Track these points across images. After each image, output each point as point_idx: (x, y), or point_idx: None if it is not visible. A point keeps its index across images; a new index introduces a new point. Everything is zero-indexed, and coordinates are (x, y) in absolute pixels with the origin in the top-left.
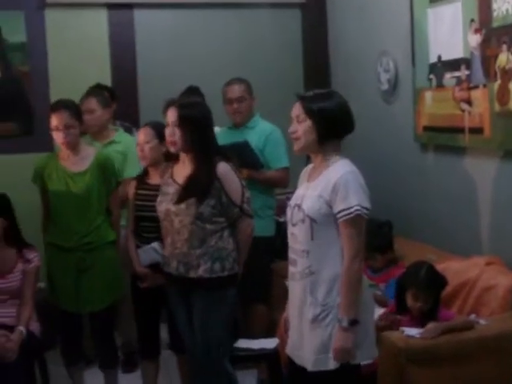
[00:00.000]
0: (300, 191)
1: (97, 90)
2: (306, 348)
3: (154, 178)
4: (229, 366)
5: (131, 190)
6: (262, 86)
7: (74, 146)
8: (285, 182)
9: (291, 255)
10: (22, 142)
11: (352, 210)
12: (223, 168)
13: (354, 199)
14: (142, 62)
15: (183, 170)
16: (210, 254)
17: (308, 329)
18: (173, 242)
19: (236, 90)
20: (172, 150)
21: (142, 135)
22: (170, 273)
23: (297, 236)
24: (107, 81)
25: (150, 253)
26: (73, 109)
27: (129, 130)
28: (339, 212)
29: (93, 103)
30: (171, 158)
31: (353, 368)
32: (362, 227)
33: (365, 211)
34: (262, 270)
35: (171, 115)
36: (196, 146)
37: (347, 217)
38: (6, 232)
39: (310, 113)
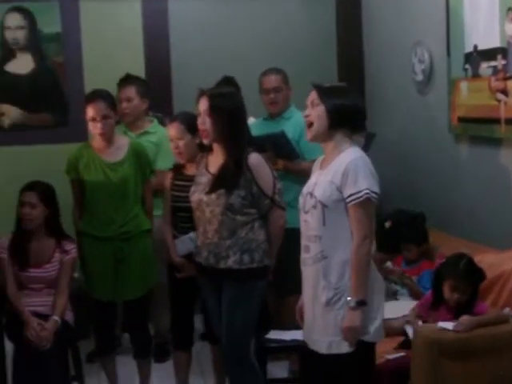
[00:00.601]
0: (312, 179)
1: (135, 79)
2: (320, 331)
3: (191, 169)
4: (253, 357)
5: (167, 180)
6: (295, 76)
7: (110, 137)
8: None
9: (304, 242)
10: (57, 132)
11: (361, 193)
12: (254, 159)
13: (364, 183)
14: (176, 52)
15: (216, 160)
16: (240, 246)
17: (321, 312)
18: (204, 231)
19: (273, 80)
20: (204, 140)
21: (174, 131)
22: (201, 262)
23: (309, 222)
24: (141, 71)
25: (186, 243)
26: (109, 99)
27: (161, 121)
28: (349, 196)
29: (132, 92)
30: (205, 148)
31: (367, 349)
32: (372, 211)
33: (374, 195)
34: (295, 261)
35: (202, 104)
36: (226, 136)
37: (357, 200)
38: (46, 221)
39: (323, 98)
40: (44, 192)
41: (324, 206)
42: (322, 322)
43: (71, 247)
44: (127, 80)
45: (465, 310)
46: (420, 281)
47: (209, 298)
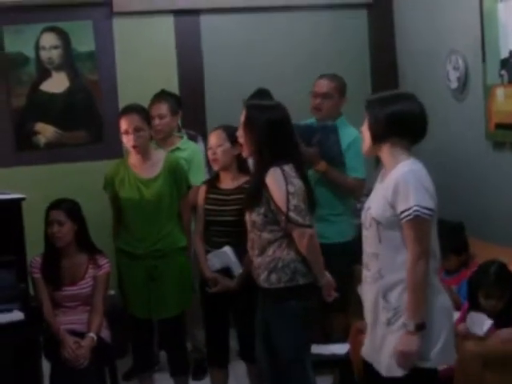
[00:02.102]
0: (372, 194)
1: (167, 95)
2: (381, 352)
3: (225, 182)
4: (307, 371)
5: (201, 194)
6: None
7: (144, 151)
8: (358, 193)
9: (365, 258)
10: (92, 149)
11: (411, 210)
12: (271, 174)
13: (413, 199)
14: (209, 68)
15: None
16: (267, 264)
17: (382, 333)
18: (248, 248)
19: (323, 85)
20: (243, 153)
21: (214, 138)
22: None
23: (368, 239)
24: (174, 88)
25: (220, 257)
26: (142, 112)
27: (194, 138)
28: (401, 213)
29: (164, 108)
30: (243, 162)
31: (429, 373)
32: (425, 228)
33: (425, 211)
34: (338, 277)
35: (242, 116)
36: (259, 150)
37: (407, 218)
38: (76, 237)
39: (367, 110)
40: (70, 209)
41: (378, 222)
42: (382, 343)
43: (104, 262)
44: (160, 96)
45: (505, 319)
46: (460, 290)
47: (258, 315)
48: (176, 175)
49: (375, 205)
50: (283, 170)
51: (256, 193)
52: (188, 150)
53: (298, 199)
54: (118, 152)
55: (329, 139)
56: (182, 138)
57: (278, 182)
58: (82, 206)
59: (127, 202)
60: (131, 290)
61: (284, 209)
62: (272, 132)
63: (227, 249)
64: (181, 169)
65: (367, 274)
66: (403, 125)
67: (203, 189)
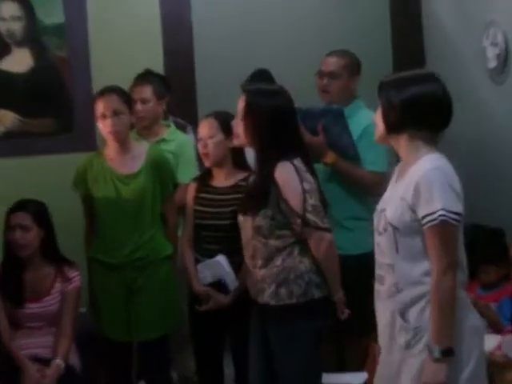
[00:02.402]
0: (387, 193)
1: (152, 76)
2: (399, 380)
3: (219, 180)
4: None
5: (191, 193)
6: None
7: (123, 139)
8: (376, 189)
9: (377, 271)
10: (60, 140)
11: (436, 215)
12: (281, 169)
13: (439, 202)
14: (200, 44)
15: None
16: (275, 276)
17: (400, 357)
18: (245, 258)
19: (330, 63)
20: (234, 142)
21: (205, 128)
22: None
23: (381, 247)
24: (159, 68)
25: (213, 268)
26: (123, 95)
27: (183, 128)
28: (423, 217)
29: (148, 91)
30: (239, 156)
31: None
32: (454, 235)
33: (453, 216)
34: (353, 294)
35: (239, 103)
36: (260, 143)
37: (431, 223)
38: (43, 245)
39: (379, 94)
40: (37, 212)
41: (395, 228)
42: (400, 369)
43: (74, 274)
44: (143, 77)
45: None
46: (500, 309)
47: (253, 334)
48: (160, 171)
49: (391, 207)
50: (295, 165)
51: (262, 192)
52: (176, 141)
53: (315, 198)
54: (91, 143)
55: (336, 125)
56: (168, 127)
57: (292, 179)
58: (49, 207)
59: (102, 202)
60: (106, 307)
61: (300, 210)
62: (277, 121)
63: (221, 258)
64: (166, 163)
65: (381, 288)
66: (422, 112)
67: (193, 187)
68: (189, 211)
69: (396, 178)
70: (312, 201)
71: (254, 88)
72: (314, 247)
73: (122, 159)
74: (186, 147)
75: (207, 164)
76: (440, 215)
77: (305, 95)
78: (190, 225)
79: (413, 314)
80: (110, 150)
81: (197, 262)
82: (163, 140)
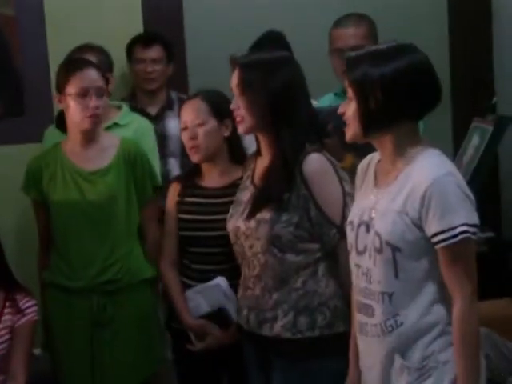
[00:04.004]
0: (365, 201)
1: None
2: None
3: (211, 178)
4: None
5: (172, 196)
6: None
7: (97, 128)
8: None
9: (359, 298)
10: (7, 127)
11: (456, 231)
12: (314, 162)
13: (458, 216)
14: (191, 7)
15: (264, 164)
16: (294, 302)
17: None
18: (244, 277)
19: (348, 36)
20: (239, 130)
21: (191, 113)
22: (242, 325)
23: (369, 270)
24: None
25: (210, 294)
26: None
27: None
28: (435, 235)
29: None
30: (236, 148)
31: None
32: (473, 254)
33: (473, 230)
34: None
35: (233, 79)
36: (270, 124)
37: (449, 242)
38: None
39: (353, 85)
40: None
41: (395, 249)
42: None
43: (29, 304)
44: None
45: None
46: None
47: (253, 376)
48: (136, 168)
49: (386, 223)
50: (329, 159)
51: (283, 191)
52: (131, 126)
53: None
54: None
55: None
56: (120, 108)
57: (329, 177)
58: None
59: (60, 207)
60: (66, 346)
61: (338, 217)
62: (288, 96)
63: (220, 280)
64: (144, 159)
65: (368, 321)
66: (416, 90)
67: (175, 189)
68: (170, 221)
69: (374, 182)
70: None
71: (247, 58)
72: (348, 264)
73: (86, 152)
74: (146, 134)
75: (196, 159)
76: (461, 232)
77: (316, 78)
78: (173, 239)
79: (417, 350)
80: (72, 140)
81: (186, 288)
82: (115, 125)
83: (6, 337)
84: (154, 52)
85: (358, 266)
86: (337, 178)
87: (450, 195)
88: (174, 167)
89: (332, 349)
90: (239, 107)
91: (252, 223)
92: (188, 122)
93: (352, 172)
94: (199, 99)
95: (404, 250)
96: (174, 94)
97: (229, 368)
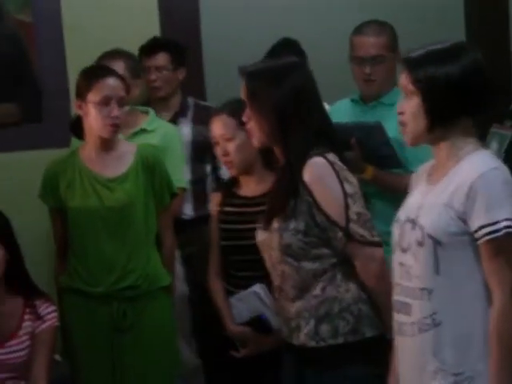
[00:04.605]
0: (414, 198)
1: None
2: None
3: (247, 188)
4: None
5: (214, 206)
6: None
7: (116, 136)
8: None
9: (399, 297)
10: (26, 132)
11: (499, 225)
12: (312, 167)
13: (502, 210)
14: (208, 11)
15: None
16: (314, 310)
17: None
18: (273, 288)
19: (369, 45)
20: (253, 142)
21: (220, 129)
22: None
23: (410, 267)
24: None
25: (250, 301)
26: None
27: (207, 113)
28: (479, 229)
29: (119, 69)
30: (270, 155)
31: None
32: None
33: None
34: None
35: (242, 89)
36: (279, 136)
37: (491, 236)
38: (7, 272)
39: (416, 83)
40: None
41: (437, 242)
42: None
43: (49, 310)
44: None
45: None
46: None
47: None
48: (154, 175)
49: (429, 215)
50: (329, 161)
51: (288, 200)
52: (159, 132)
53: (361, 204)
54: (66, 137)
55: (372, 139)
56: (147, 114)
57: (328, 179)
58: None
59: (79, 213)
60: (86, 352)
61: (342, 220)
62: (300, 106)
63: (258, 287)
64: (161, 166)
65: (405, 320)
66: (476, 90)
67: (217, 197)
68: (213, 231)
69: (427, 180)
70: (356, 207)
71: (255, 67)
72: (362, 268)
73: (103, 159)
74: (173, 140)
75: (233, 174)
76: (506, 226)
77: (336, 83)
78: (216, 248)
79: (453, 353)
80: (90, 147)
81: (229, 294)
82: (143, 131)
83: (27, 343)
84: (158, 60)
85: (401, 264)
86: (337, 179)
87: (496, 190)
88: (186, 173)
89: (359, 356)
90: (250, 119)
91: (266, 234)
92: (218, 137)
93: (374, 183)
94: (225, 115)
95: (445, 245)
96: (190, 100)
97: (265, 375)
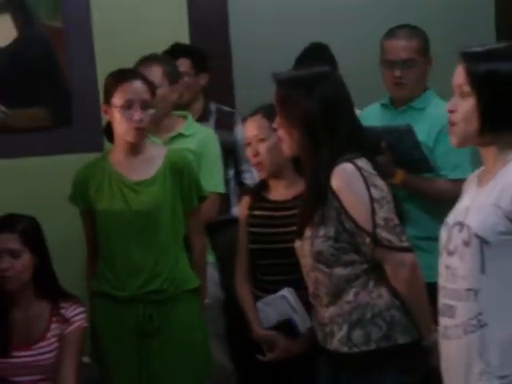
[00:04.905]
0: (463, 202)
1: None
2: None
3: (276, 192)
4: None
5: (243, 209)
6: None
7: (143, 139)
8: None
9: (444, 300)
10: (56, 136)
11: None
12: (339, 174)
13: None
14: (237, 14)
15: None
16: (347, 315)
17: None
18: (309, 295)
19: (400, 48)
20: (284, 151)
21: (252, 128)
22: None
23: (456, 269)
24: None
25: (278, 305)
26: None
27: (229, 118)
28: None
29: (157, 74)
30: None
31: None
32: None
33: None
34: None
35: (274, 96)
36: (308, 145)
37: None
38: (36, 275)
39: (474, 82)
40: (28, 231)
41: (484, 241)
42: None
43: (77, 312)
44: (148, 58)
45: None
46: None
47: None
48: (183, 178)
49: (477, 215)
50: (358, 166)
51: (316, 207)
52: (197, 137)
53: (388, 209)
54: (96, 141)
55: (403, 143)
56: (185, 118)
57: (355, 185)
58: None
59: (107, 216)
60: (113, 355)
61: (368, 225)
62: (330, 117)
63: (286, 292)
64: (190, 170)
65: (450, 323)
66: None
67: (246, 202)
68: (241, 234)
69: (477, 184)
70: (383, 213)
71: (286, 75)
72: (392, 274)
73: (131, 163)
74: (211, 145)
75: (262, 176)
76: None
77: (364, 88)
78: (244, 252)
79: (499, 355)
80: (118, 150)
81: (256, 299)
82: (180, 135)
83: (55, 345)
84: (179, 65)
85: (447, 267)
86: (364, 185)
87: None
88: None
89: (392, 362)
90: (279, 126)
91: (299, 242)
92: (250, 138)
93: (404, 188)
94: (260, 116)
95: (492, 244)
96: (212, 106)
97: (294, 379)
